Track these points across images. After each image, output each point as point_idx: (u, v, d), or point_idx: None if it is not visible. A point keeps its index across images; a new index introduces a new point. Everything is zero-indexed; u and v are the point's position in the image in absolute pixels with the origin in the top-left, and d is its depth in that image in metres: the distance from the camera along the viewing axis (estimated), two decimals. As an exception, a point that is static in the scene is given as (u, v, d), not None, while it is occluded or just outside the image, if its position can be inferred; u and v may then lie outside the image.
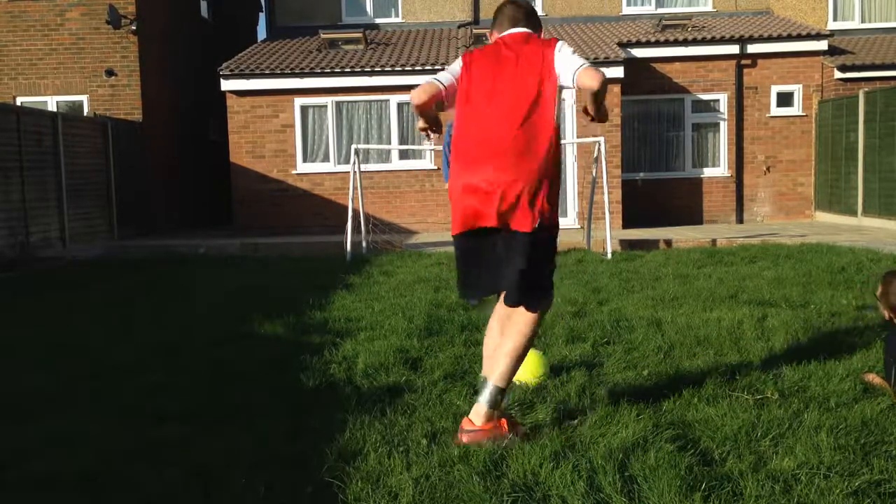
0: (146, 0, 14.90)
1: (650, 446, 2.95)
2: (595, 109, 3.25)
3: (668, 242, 11.50)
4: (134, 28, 14.46)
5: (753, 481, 2.68)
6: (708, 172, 15.44)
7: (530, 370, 3.93)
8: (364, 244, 11.34)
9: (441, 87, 3.25)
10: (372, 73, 14.11)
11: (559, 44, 3.21)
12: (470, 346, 4.83)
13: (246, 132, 14.34)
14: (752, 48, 15.01)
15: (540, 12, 16.80)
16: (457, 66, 3.32)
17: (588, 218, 11.09)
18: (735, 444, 3.02)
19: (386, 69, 14.04)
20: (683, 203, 15.33)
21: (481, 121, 3.16)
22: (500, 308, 3.23)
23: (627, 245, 11.32)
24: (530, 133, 3.10)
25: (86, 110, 14.62)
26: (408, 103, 14.38)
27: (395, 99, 14.36)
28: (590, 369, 4.16)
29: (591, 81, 3.07)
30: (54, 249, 11.89)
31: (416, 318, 5.65)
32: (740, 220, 15.33)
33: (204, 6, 18.79)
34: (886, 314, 3.93)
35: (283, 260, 10.30)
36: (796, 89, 15.20)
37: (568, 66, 3.12)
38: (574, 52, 3.20)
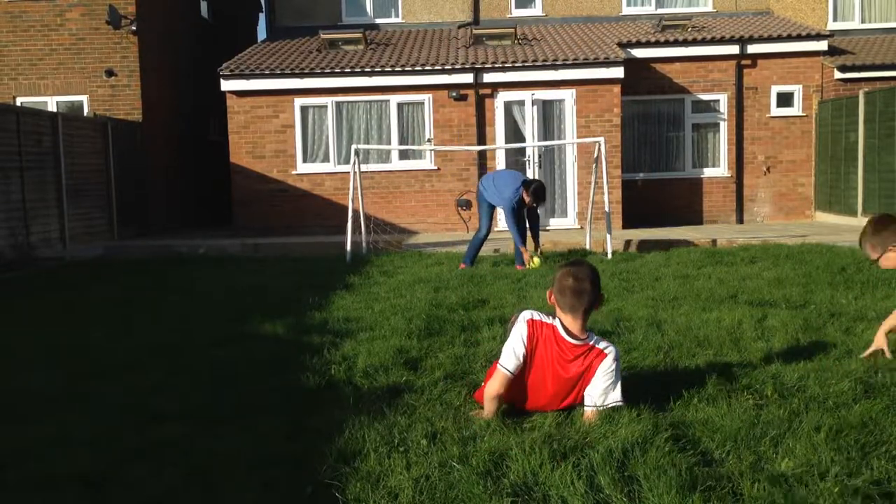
0: (146, 0, 14.90)
1: (650, 446, 2.95)
2: None
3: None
4: (134, 28, 14.46)
5: (753, 481, 2.68)
6: (708, 173, 15.44)
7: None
8: (364, 244, 11.34)
9: (508, 374, 3.47)
10: (372, 74, 14.10)
11: (607, 363, 3.45)
12: (470, 347, 4.83)
13: (246, 132, 14.34)
14: (752, 48, 15.01)
15: (540, 12, 16.85)
16: (520, 337, 3.48)
17: (588, 218, 11.09)
18: (735, 444, 3.02)
19: (386, 69, 14.04)
20: (683, 203, 15.33)
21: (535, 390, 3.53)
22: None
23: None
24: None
25: (86, 110, 14.62)
26: (408, 103, 14.39)
27: (395, 99, 14.36)
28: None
29: (586, 419, 3.43)
30: (54, 249, 11.89)
31: (415, 318, 5.65)
32: (740, 221, 15.33)
33: (204, 6, 18.79)
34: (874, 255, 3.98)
35: (283, 260, 10.30)
36: (796, 89, 15.20)
37: (596, 390, 3.45)
38: (615, 377, 3.46)
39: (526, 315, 3.54)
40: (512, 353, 3.45)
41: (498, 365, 3.48)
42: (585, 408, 3.43)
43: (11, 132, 11.14)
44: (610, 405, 3.39)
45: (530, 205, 9.11)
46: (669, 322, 5.37)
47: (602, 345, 3.48)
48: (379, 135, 14.47)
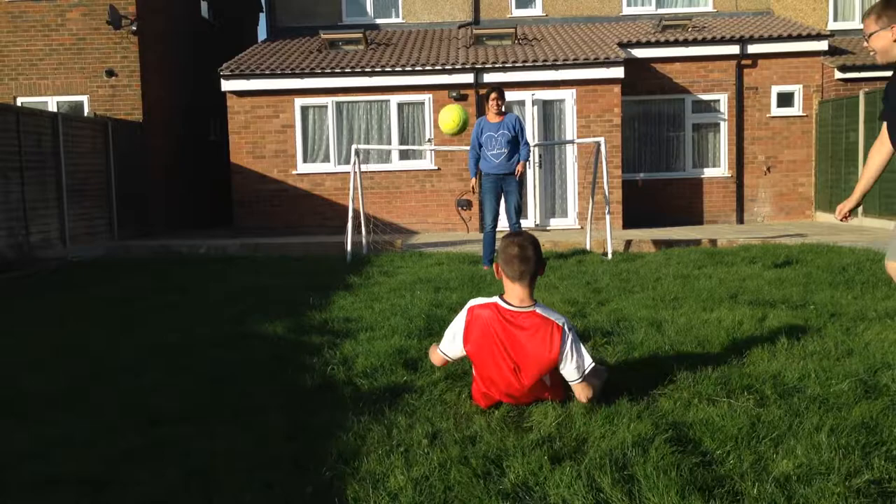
0: (146, 0, 14.90)
1: (650, 446, 2.95)
2: None
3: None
4: (134, 28, 14.46)
5: (754, 482, 2.68)
6: (708, 173, 15.45)
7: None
8: (364, 244, 11.34)
9: (446, 358, 3.78)
10: (372, 74, 14.11)
11: (568, 342, 3.46)
12: (470, 347, 4.82)
13: (246, 132, 14.34)
14: (753, 48, 15.01)
15: (540, 12, 16.84)
16: (459, 326, 3.64)
17: (589, 218, 11.09)
18: (735, 445, 3.02)
19: (386, 69, 14.04)
20: (684, 203, 15.33)
21: (493, 378, 3.57)
22: None
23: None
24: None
25: (86, 110, 14.62)
26: (408, 103, 14.39)
27: (395, 99, 14.36)
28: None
29: (581, 397, 3.54)
30: (54, 250, 11.89)
31: (416, 318, 5.65)
32: (740, 221, 15.33)
33: (204, 6, 18.78)
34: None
35: (283, 260, 10.29)
36: (796, 89, 15.20)
37: (570, 370, 3.49)
38: (578, 347, 3.49)
39: (469, 303, 3.70)
40: (452, 338, 3.68)
41: (438, 349, 3.77)
42: (572, 385, 3.52)
43: (11, 132, 11.14)
44: (588, 371, 3.47)
45: (492, 106, 8.77)
46: (669, 322, 5.37)
47: (551, 315, 3.52)
48: (379, 135, 14.47)
